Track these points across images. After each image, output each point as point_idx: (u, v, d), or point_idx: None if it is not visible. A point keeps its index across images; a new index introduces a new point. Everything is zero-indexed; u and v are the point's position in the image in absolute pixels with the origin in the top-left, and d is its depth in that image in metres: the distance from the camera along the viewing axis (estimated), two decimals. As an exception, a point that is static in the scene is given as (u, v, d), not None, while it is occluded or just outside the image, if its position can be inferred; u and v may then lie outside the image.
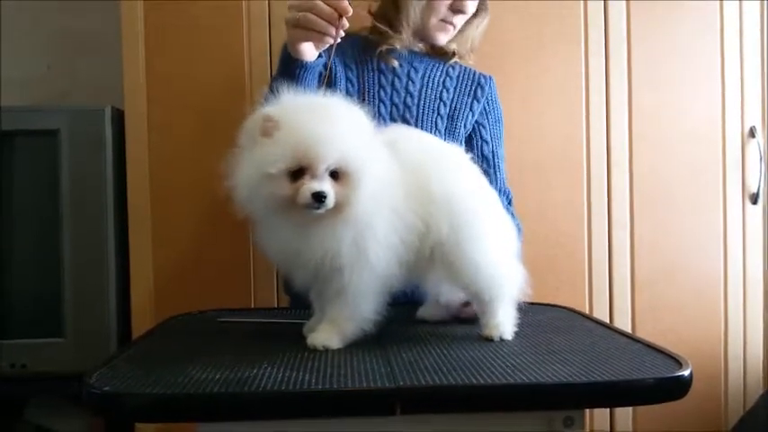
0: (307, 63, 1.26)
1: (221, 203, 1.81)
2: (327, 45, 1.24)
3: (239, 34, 1.81)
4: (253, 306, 1.80)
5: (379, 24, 1.55)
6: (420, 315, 1.33)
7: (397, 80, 1.54)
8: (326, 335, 1.09)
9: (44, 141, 1.76)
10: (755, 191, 1.92)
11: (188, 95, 1.80)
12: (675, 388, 0.92)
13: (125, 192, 1.80)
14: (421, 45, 1.61)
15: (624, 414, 1.89)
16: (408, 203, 1.09)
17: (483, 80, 1.62)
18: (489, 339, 1.14)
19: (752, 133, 1.93)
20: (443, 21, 1.54)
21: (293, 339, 1.13)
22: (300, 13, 1.19)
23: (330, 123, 1.01)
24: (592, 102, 1.89)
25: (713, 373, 1.91)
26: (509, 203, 1.61)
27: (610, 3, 1.89)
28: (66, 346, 1.74)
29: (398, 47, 1.54)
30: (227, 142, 1.77)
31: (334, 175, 1.01)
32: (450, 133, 1.55)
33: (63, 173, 1.75)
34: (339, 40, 1.21)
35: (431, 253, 1.12)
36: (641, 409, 1.86)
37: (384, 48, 1.53)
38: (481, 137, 1.59)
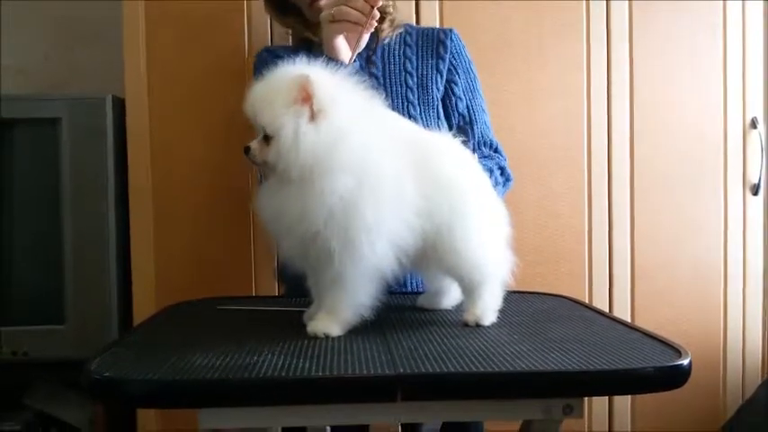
0: (343, 64, 1.31)
1: (222, 192, 1.83)
2: (360, 38, 1.37)
3: (240, 23, 1.80)
4: (253, 294, 1.81)
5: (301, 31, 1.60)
6: (420, 303, 1.33)
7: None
8: (326, 322, 1.09)
9: (45, 130, 1.76)
10: (756, 182, 1.92)
11: (189, 85, 1.80)
12: (674, 377, 0.92)
13: (126, 180, 1.80)
14: None
15: (623, 403, 1.89)
16: (422, 189, 1.10)
17: (443, 35, 1.59)
18: (466, 324, 1.15)
19: (753, 124, 1.92)
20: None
21: (294, 327, 1.13)
22: (335, 8, 1.33)
23: (259, 89, 1.09)
24: (593, 94, 1.88)
25: (712, 362, 1.92)
26: (495, 151, 1.59)
27: (612, -1, 1.89)
28: (68, 334, 1.75)
29: (316, 38, 1.54)
30: (228, 131, 1.78)
31: (268, 137, 1.07)
32: (423, 102, 1.54)
33: (64, 161, 1.76)
34: (372, 29, 1.37)
35: (434, 237, 1.12)
36: (640, 398, 1.87)
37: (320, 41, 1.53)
38: (454, 94, 1.57)
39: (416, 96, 1.54)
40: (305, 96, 1.04)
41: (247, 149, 1.09)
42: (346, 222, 1.05)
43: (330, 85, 1.07)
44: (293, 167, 1.05)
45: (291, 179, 1.06)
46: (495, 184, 1.48)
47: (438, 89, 1.56)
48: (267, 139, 1.07)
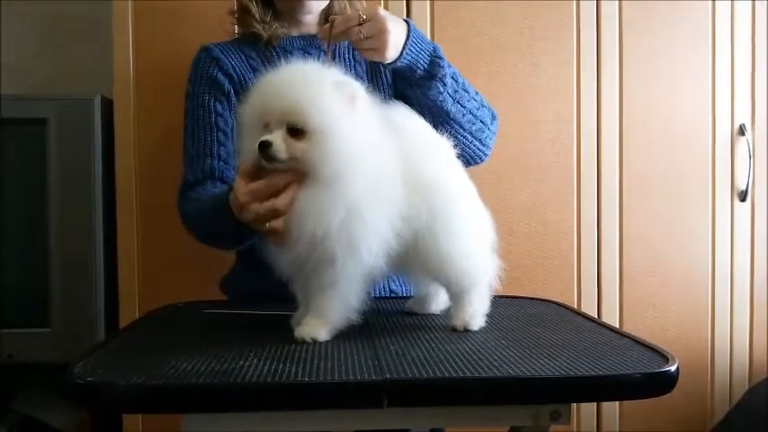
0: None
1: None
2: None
3: (230, 24, 1.79)
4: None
5: (247, 20, 1.52)
6: (409, 308, 1.32)
7: None
8: (314, 327, 1.08)
9: (32, 130, 1.75)
10: (744, 188, 1.93)
11: (177, 85, 1.78)
12: (662, 383, 0.92)
13: (113, 182, 1.79)
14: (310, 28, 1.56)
15: (611, 409, 1.90)
16: (404, 192, 1.09)
17: None
18: (455, 330, 1.15)
19: (741, 131, 1.93)
20: None
21: (281, 331, 1.12)
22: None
23: (293, 81, 1.05)
24: (583, 99, 1.89)
25: (700, 368, 1.92)
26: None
27: (602, 2, 1.88)
28: (53, 337, 1.73)
29: (266, 34, 1.50)
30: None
31: (298, 132, 1.03)
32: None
33: (51, 162, 1.75)
34: None
35: (414, 242, 1.12)
36: (627, 404, 1.87)
37: (269, 38, 1.50)
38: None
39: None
40: (353, 100, 1.05)
41: (268, 144, 1.02)
42: (352, 225, 1.04)
43: (365, 93, 1.08)
44: (330, 165, 1.03)
45: (319, 179, 1.03)
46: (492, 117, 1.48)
47: (388, 80, 1.51)
48: (296, 134, 1.03)
